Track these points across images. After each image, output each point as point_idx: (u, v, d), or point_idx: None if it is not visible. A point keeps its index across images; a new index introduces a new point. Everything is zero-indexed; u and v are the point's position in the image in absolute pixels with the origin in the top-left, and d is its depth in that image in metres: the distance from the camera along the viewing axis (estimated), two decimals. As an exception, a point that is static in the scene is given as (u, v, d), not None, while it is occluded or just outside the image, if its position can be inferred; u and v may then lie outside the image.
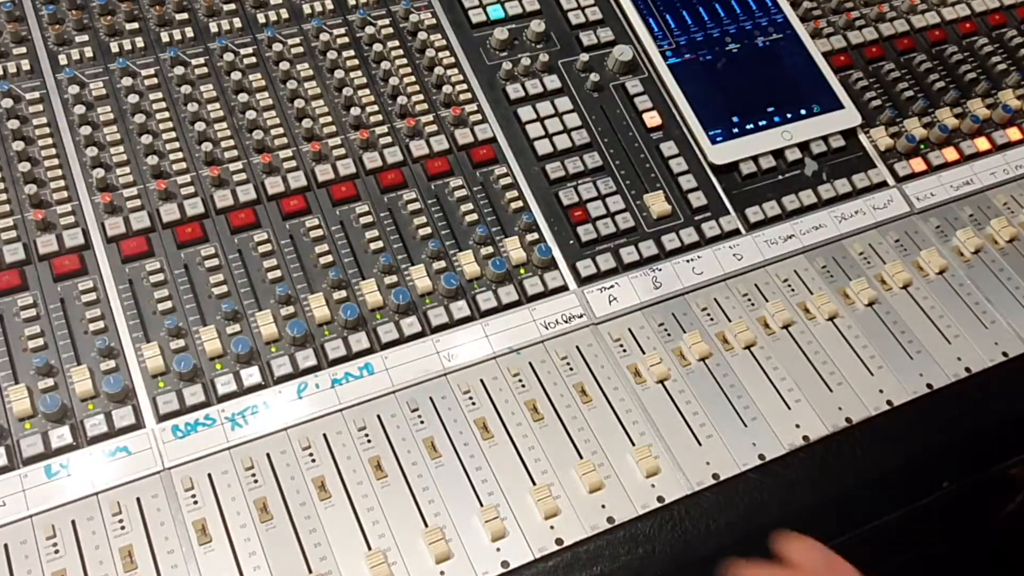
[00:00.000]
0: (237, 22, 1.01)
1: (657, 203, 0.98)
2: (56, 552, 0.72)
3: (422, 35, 1.04)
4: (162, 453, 0.78)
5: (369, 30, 1.03)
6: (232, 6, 1.02)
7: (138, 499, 0.75)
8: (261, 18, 1.02)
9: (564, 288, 0.92)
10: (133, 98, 0.93)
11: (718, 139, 1.03)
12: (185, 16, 1.00)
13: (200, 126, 0.93)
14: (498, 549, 0.77)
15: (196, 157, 0.92)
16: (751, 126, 1.04)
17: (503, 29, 1.05)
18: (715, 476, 0.83)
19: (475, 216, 0.94)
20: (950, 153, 1.08)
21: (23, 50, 0.95)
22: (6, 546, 0.72)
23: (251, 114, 0.95)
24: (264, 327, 0.84)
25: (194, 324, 0.84)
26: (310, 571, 0.74)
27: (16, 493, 0.74)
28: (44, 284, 0.84)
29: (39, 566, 0.72)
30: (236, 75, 0.97)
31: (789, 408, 0.88)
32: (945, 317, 0.96)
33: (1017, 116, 1.13)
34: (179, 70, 0.96)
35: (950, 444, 0.76)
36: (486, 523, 0.77)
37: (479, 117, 1.01)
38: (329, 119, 0.97)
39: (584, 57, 1.05)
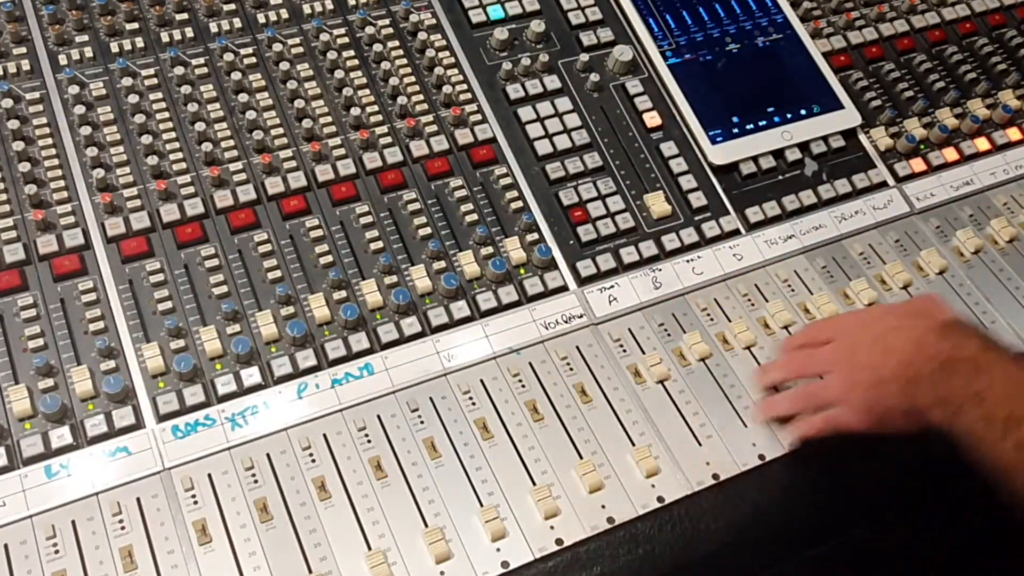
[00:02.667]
0: (237, 22, 1.01)
1: (657, 203, 0.98)
2: (56, 552, 0.72)
3: (422, 35, 1.04)
4: (162, 453, 0.78)
5: (369, 30, 1.03)
6: (232, 6, 1.02)
7: (138, 499, 0.75)
8: (261, 18, 1.02)
9: (564, 288, 0.92)
10: (133, 98, 0.93)
11: (718, 139, 1.03)
12: (185, 16, 1.00)
13: (200, 126, 0.93)
14: (498, 549, 0.77)
15: (196, 157, 0.92)
16: (751, 126, 1.04)
17: (503, 29, 1.05)
18: (715, 476, 0.83)
19: (475, 216, 0.94)
20: (950, 153, 1.08)
21: (23, 50, 0.95)
22: (6, 546, 0.72)
23: (251, 114, 0.95)
24: (264, 327, 0.84)
25: (194, 324, 0.84)
26: (310, 571, 0.74)
27: (16, 493, 0.74)
28: (44, 284, 0.84)
29: (39, 566, 0.72)
30: (236, 75, 0.97)
31: (789, 408, 0.88)
32: (945, 317, 0.96)
33: (1017, 116, 1.13)
34: (179, 70, 0.96)
35: (950, 444, 0.76)
36: (486, 523, 0.77)
37: (479, 117, 1.01)
38: (329, 119, 0.97)
39: (584, 57, 1.05)
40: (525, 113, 1.02)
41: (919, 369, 0.75)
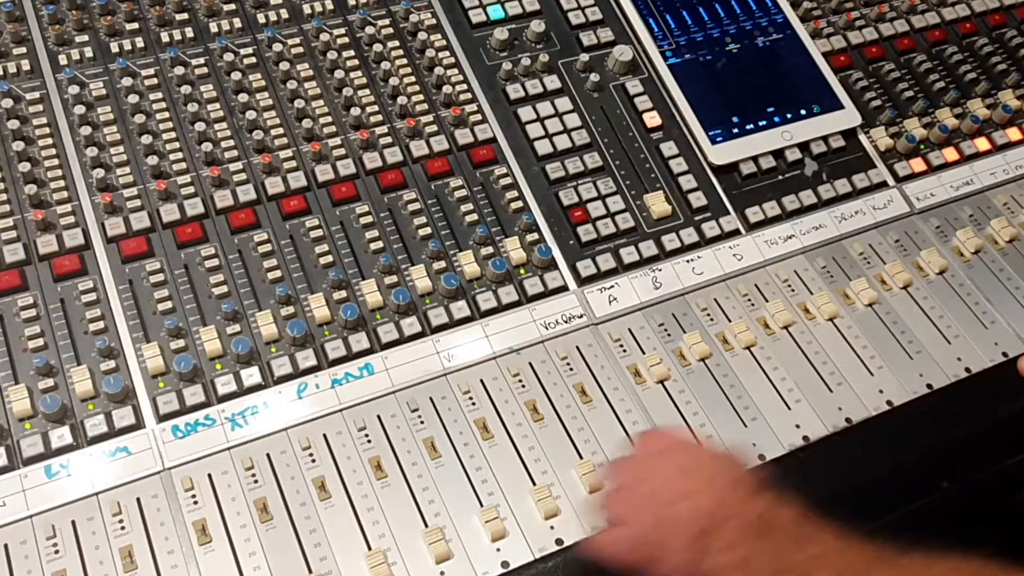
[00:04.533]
0: (237, 22, 1.01)
1: (657, 203, 0.98)
2: (56, 552, 0.72)
3: (422, 35, 1.04)
4: (162, 453, 0.78)
5: (369, 30, 1.03)
6: (232, 6, 1.02)
7: (138, 499, 0.75)
8: (261, 18, 1.02)
9: (564, 288, 0.92)
10: (133, 98, 0.93)
11: (718, 139, 1.03)
12: (185, 16, 1.00)
13: (200, 126, 0.93)
14: (498, 549, 0.77)
15: (196, 157, 0.92)
16: (751, 126, 1.04)
17: (503, 29, 1.05)
18: (715, 476, 0.83)
19: (475, 216, 0.94)
20: (950, 153, 1.08)
21: (23, 50, 0.95)
22: (6, 546, 0.72)
23: (251, 114, 0.95)
24: (264, 327, 0.84)
25: (194, 324, 0.84)
26: (310, 571, 0.74)
27: (16, 493, 0.74)
28: (44, 284, 0.84)
29: (39, 566, 0.72)
30: (236, 75, 0.97)
31: (789, 408, 0.88)
32: (945, 317, 0.96)
33: (1017, 116, 1.13)
34: (179, 70, 0.96)
35: (950, 444, 0.76)
36: (486, 523, 0.77)
37: (479, 117, 1.01)
38: (329, 119, 0.97)
39: (584, 57, 1.05)
40: (525, 113, 1.02)
41: (716, 522, 0.63)
